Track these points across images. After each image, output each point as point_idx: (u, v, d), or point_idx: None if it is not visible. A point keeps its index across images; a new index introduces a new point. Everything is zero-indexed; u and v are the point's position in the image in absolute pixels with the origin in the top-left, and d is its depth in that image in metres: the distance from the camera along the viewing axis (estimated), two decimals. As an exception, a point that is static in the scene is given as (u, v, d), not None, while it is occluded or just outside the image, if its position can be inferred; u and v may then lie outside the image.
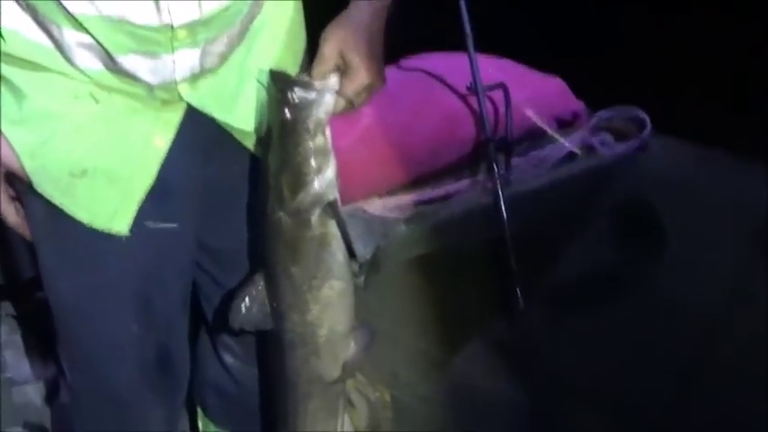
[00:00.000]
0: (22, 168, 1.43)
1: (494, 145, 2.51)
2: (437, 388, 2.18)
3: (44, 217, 1.50)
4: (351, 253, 1.42)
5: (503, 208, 2.42)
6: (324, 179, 1.36)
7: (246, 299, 1.46)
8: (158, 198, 1.47)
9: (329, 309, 1.44)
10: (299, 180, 1.36)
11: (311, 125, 1.34)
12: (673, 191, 2.60)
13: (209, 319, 1.75)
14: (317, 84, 1.35)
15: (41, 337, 1.97)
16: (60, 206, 1.46)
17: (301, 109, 1.33)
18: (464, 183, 2.59)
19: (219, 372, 1.79)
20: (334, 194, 1.38)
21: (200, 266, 1.65)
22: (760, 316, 2.21)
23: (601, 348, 2.23)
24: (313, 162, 1.35)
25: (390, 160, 2.44)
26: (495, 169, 2.47)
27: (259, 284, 1.46)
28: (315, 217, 1.37)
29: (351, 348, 1.49)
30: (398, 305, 2.26)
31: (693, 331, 2.22)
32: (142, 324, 1.57)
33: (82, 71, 1.40)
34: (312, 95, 1.34)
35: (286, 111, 1.34)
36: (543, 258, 2.49)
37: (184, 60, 1.40)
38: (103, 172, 1.43)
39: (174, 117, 1.45)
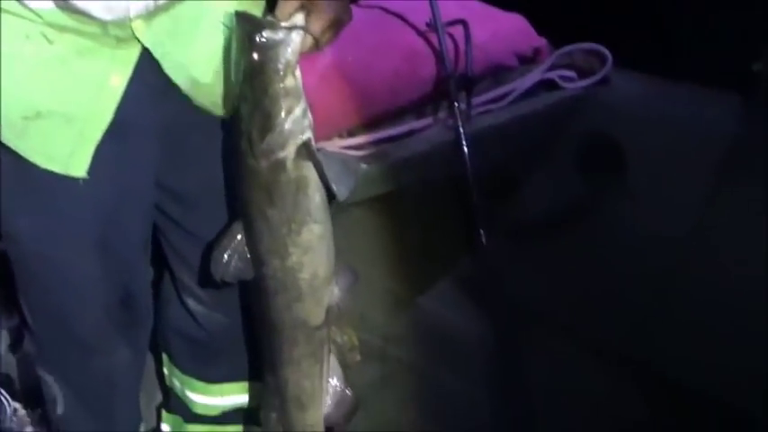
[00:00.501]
0: (-25, 112, 1.40)
1: (454, 82, 2.49)
2: (404, 327, 2.19)
3: (1, 160, 1.47)
4: (330, 194, 1.40)
5: (464, 145, 2.41)
6: (294, 120, 1.34)
7: (226, 250, 1.44)
8: (116, 139, 1.45)
9: (310, 253, 1.42)
10: (268, 122, 1.34)
11: (280, 66, 1.31)
12: (634, 124, 2.61)
13: (170, 263, 1.74)
14: (283, 24, 1.32)
15: (4, 286, 1.94)
16: (15, 149, 1.43)
17: (269, 50, 1.31)
18: (425, 120, 2.57)
19: (183, 317, 1.78)
20: (307, 135, 1.36)
21: (160, 209, 1.63)
22: (723, 247, 2.24)
23: (565, 281, 2.26)
24: (282, 104, 1.33)
25: (351, 99, 2.41)
26: (456, 106, 2.45)
27: (238, 234, 1.44)
28: (290, 160, 1.35)
29: (334, 292, 1.48)
30: (360, 245, 2.25)
31: (658, 263, 2.25)
32: (103, 266, 1.57)
33: (32, 10, 1.37)
34: (279, 36, 1.31)
35: (254, 53, 1.31)
36: (506, 194, 2.49)
37: (139, -3, 1.36)
38: (58, 114, 1.42)
39: (131, 55, 1.43)
